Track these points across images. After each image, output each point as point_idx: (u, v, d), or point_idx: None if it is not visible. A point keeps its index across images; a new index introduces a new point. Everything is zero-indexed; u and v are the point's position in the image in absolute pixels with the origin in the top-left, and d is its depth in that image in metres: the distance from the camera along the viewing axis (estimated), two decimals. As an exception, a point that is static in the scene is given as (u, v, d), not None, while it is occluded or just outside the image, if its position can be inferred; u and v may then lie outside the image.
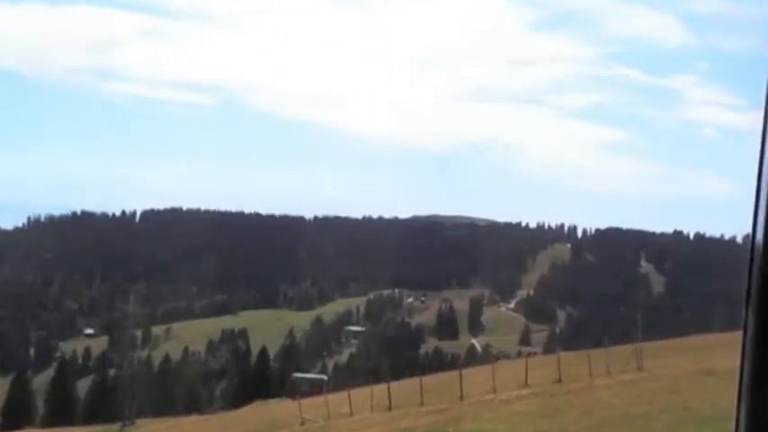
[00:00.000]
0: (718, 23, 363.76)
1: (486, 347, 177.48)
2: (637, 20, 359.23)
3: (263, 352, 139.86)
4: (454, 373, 61.40)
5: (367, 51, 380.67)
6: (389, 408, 49.75)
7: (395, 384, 61.13)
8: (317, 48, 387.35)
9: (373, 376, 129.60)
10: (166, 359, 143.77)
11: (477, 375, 52.67)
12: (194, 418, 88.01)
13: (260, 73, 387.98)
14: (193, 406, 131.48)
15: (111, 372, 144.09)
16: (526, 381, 47.20)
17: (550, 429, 35.14)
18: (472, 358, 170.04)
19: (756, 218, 2.56)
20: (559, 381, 46.57)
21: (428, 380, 61.38)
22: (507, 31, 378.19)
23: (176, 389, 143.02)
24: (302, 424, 51.13)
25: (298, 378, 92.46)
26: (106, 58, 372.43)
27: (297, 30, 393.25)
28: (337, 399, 61.27)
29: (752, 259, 2.62)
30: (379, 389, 64.18)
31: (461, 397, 47.48)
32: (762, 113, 2.64)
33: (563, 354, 57.30)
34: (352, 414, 51.12)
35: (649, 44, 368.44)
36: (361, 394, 60.77)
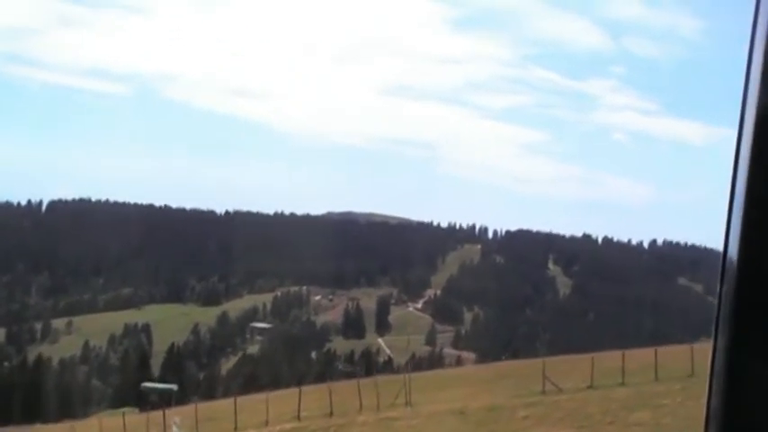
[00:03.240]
0: (634, 29, 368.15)
1: (370, 354, 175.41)
2: (554, 22, 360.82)
3: (144, 356, 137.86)
4: (280, 393, 61.05)
5: (286, 44, 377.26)
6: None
7: (216, 403, 60.41)
8: (234, 39, 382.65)
9: (265, 379, 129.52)
10: (39, 360, 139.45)
11: (264, 403, 51.64)
12: (38, 427, 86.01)
13: (175, 63, 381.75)
14: (68, 410, 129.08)
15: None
16: (299, 413, 46.68)
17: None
18: (367, 360, 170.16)
19: (729, 233, 2.44)
20: (330, 414, 46.14)
21: (244, 400, 60.68)
22: (426, 28, 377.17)
23: (59, 389, 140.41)
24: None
25: (147, 388, 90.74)
26: (18, 43, 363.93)
27: (213, 20, 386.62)
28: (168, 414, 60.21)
29: (722, 277, 2.48)
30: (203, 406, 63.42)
31: (235, 428, 46.90)
32: (735, 131, 2.38)
33: (362, 380, 56.63)
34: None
35: (567, 47, 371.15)
36: (181, 413, 59.79)
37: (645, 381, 41.85)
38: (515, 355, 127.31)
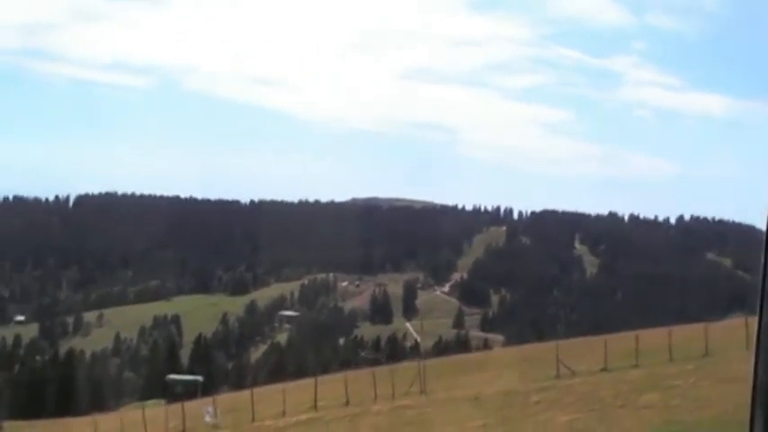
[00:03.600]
0: (656, 4, 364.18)
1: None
2: (574, 0, 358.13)
3: (173, 347, 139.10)
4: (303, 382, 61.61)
5: (305, 31, 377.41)
6: (184, 430, 49.54)
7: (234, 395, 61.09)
8: (254, 28, 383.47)
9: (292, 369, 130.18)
10: (72, 353, 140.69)
11: (287, 393, 52.06)
12: (66, 420, 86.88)
13: (196, 54, 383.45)
14: (101, 402, 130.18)
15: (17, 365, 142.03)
16: (316, 403, 47.04)
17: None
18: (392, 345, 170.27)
19: None
20: (347, 403, 46.46)
21: (267, 390, 61.47)
22: (447, 11, 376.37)
23: (91, 382, 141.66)
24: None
25: (172, 380, 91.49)
26: (41, 39, 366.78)
27: (233, 10, 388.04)
28: (189, 407, 61.09)
29: (767, 250, 2.42)
30: (222, 399, 64.06)
31: (252, 419, 47.34)
32: None
33: (379, 369, 56.87)
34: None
35: (588, 25, 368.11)
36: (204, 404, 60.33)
37: (659, 362, 41.72)
38: (540, 336, 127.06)
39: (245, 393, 60.78)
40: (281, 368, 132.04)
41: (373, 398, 46.33)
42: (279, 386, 54.94)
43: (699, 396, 31.86)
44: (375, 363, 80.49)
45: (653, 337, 47.13)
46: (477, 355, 66.04)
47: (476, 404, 39.63)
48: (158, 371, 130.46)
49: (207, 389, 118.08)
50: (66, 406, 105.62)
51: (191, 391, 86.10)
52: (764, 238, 2.44)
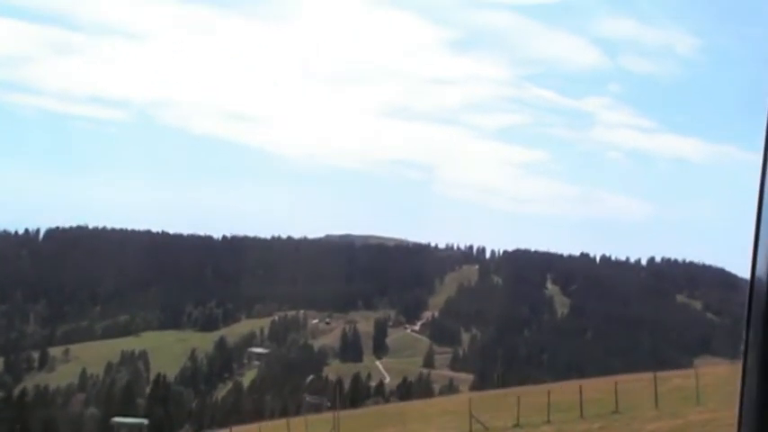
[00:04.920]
0: (630, 47, 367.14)
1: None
2: (550, 42, 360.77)
3: (133, 385, 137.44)
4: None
5: (281, 68, 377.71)
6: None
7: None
8: (230, 63, 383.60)
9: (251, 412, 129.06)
10: (33, 390, 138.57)
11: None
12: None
13: (172, 89, 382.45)
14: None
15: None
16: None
17: None
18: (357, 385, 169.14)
19: (757, 252, 2.33)
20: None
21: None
22: (422, 50, 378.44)
23: (55, 419, 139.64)
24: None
25: (117, 423, 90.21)
26: (15, 71, 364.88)
27: (209, 45, 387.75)
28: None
29: (750, 299, 2.37)
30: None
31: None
32: (761, 154, 2.47)
33: (306, 417, 56.20)
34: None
35: (563, 66, 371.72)
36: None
37: (570, 418, 41.29)
38: (501, 380, 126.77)
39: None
40: (242, 408, 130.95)
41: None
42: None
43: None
44: (319, 408, 79.61)
45: (570, 391, 46.70)
46: (402, 406, 65.39)
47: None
48: (118, 410, 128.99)
49: (164, 430, 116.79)
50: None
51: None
52: (747, 291, 2.36)
